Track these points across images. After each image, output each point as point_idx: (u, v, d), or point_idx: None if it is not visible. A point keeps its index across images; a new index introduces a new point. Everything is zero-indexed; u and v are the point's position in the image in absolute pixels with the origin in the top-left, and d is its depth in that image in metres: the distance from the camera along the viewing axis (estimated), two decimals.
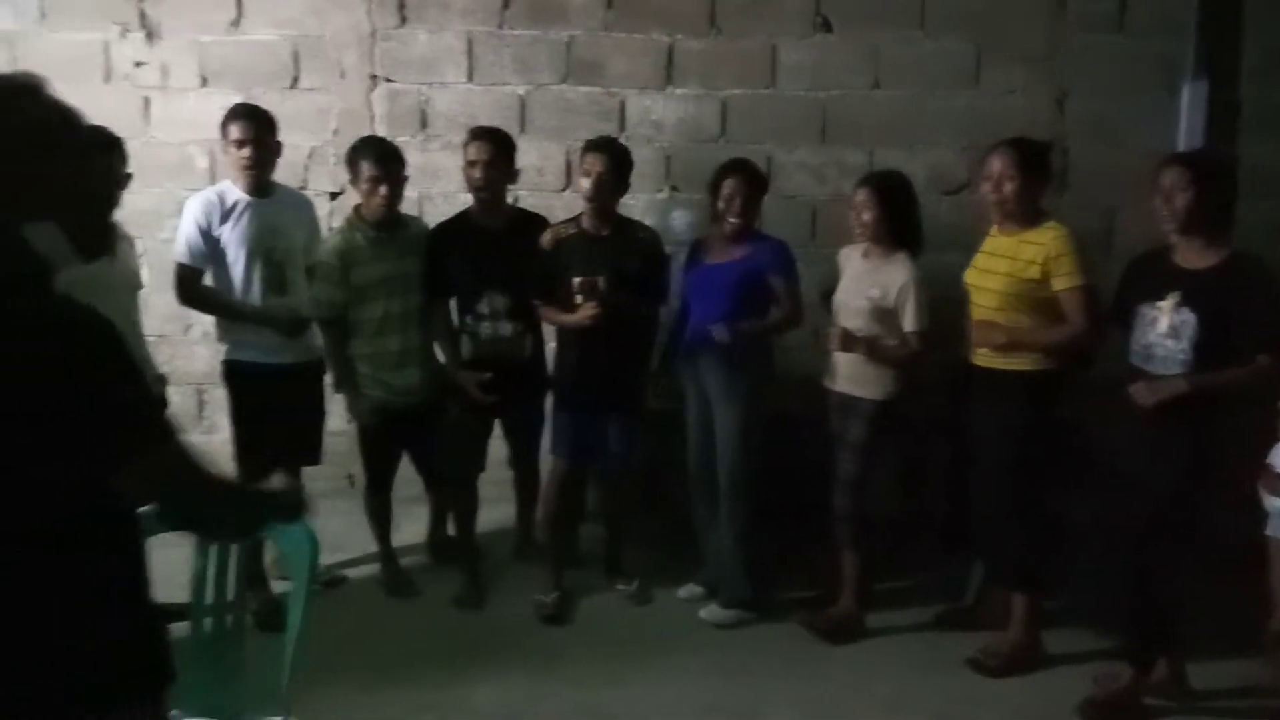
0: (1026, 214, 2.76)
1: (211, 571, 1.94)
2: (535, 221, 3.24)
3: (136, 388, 1.24)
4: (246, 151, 2.99)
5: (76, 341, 1.18)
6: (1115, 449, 2.70)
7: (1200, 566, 2.53)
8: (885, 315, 2.91)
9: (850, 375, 2.97)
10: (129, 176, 2.83)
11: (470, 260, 3.11)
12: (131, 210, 3.20)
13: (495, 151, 3.07)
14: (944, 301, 2.99)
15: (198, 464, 1.30)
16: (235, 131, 3.00)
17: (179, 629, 1.74)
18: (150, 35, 3.88)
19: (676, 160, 3.89)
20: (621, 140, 3.80)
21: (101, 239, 1.32)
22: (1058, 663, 2.88)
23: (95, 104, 3.98)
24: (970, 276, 2.88)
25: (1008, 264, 2.75)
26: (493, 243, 3.10)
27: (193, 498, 1.33)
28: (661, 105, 3.86)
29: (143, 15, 3.87)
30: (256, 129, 3.01)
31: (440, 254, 3.14)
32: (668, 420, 3.37)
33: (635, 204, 3.88)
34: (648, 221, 3.81)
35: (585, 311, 2.97)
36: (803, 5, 3.77)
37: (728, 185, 3.04)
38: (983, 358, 2.82)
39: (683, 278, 3.26)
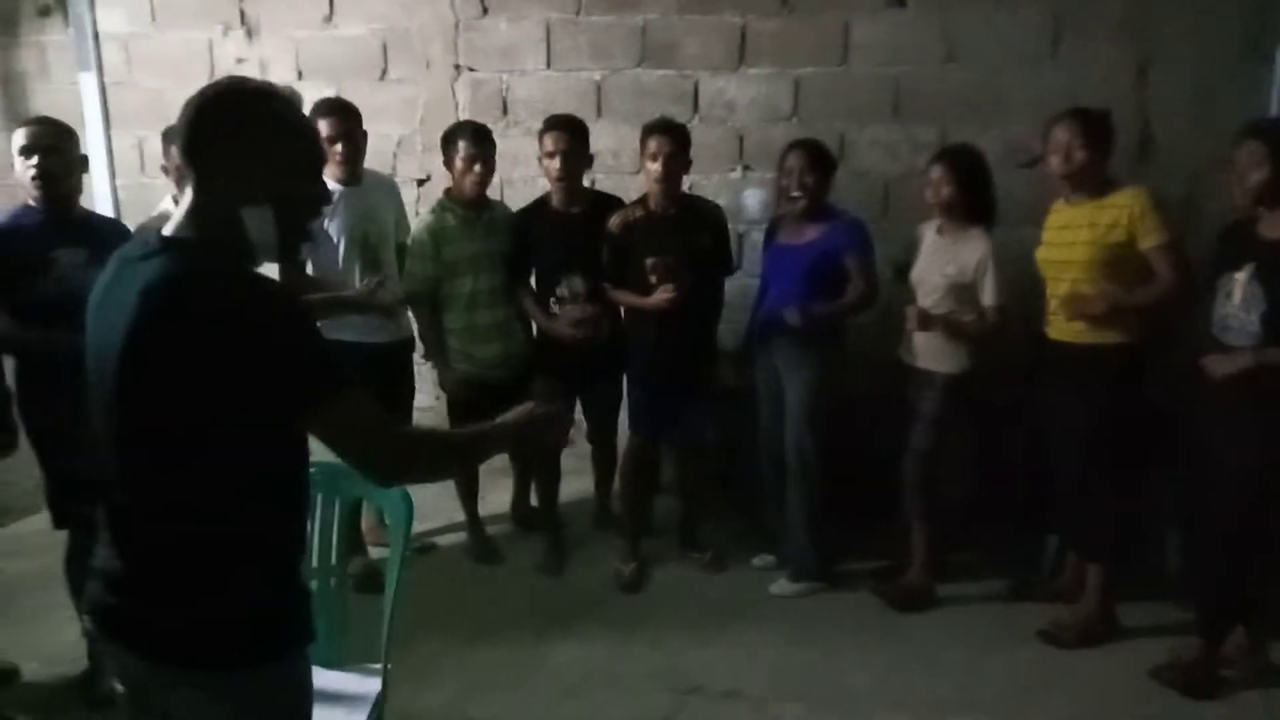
0: (1098, 182, 2.74)
1: (316, 538, 2.11)
2: (613, 204, 3.34)
3: (320, 348, 1.35)
4: (338, 147, 3.13)
5: (268, 309, 1.30)
6: (1198, 426, 2.68)
7: None
8: (963, 291, 2.93)
9: (926, 349, 3.00)
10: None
11: (549, 244, 3.23)
12: None
13: (571, 140, 3.18)
14: (1022, 277, 2.99)
15: (374, 415, 1.39)
16: (326, 129, 3.12)
17: None
18: (250, 33, 4.12)
19: (749, 140, 3.95)
20: (695, 121, 3.91)
21: (299, 244, 1.45)
22: (1133, 635, 2.88)
23: None
24: (1045, 253, 2.87)
25: (1088, 232, 2.73)
26: (571, 227, 3.21)
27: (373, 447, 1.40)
28: (734, 86, 3.92)
29: (243, 15, 4.11)
30: (345, 124, 3.15)
31: (522, 238, 3.28)
32: (747, 397, 3.45)
33: (708, 183, 3.98)
34: (720, 200, 3.90)
35: (663, 294, 3.06)
36: None
37: (790, 161, 3.08)
38: (1062, 332, 2.80)
39: (761, 257, 3.32)
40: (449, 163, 3.27)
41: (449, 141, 3.25)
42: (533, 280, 3.36)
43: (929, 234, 3.08)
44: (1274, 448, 2.42)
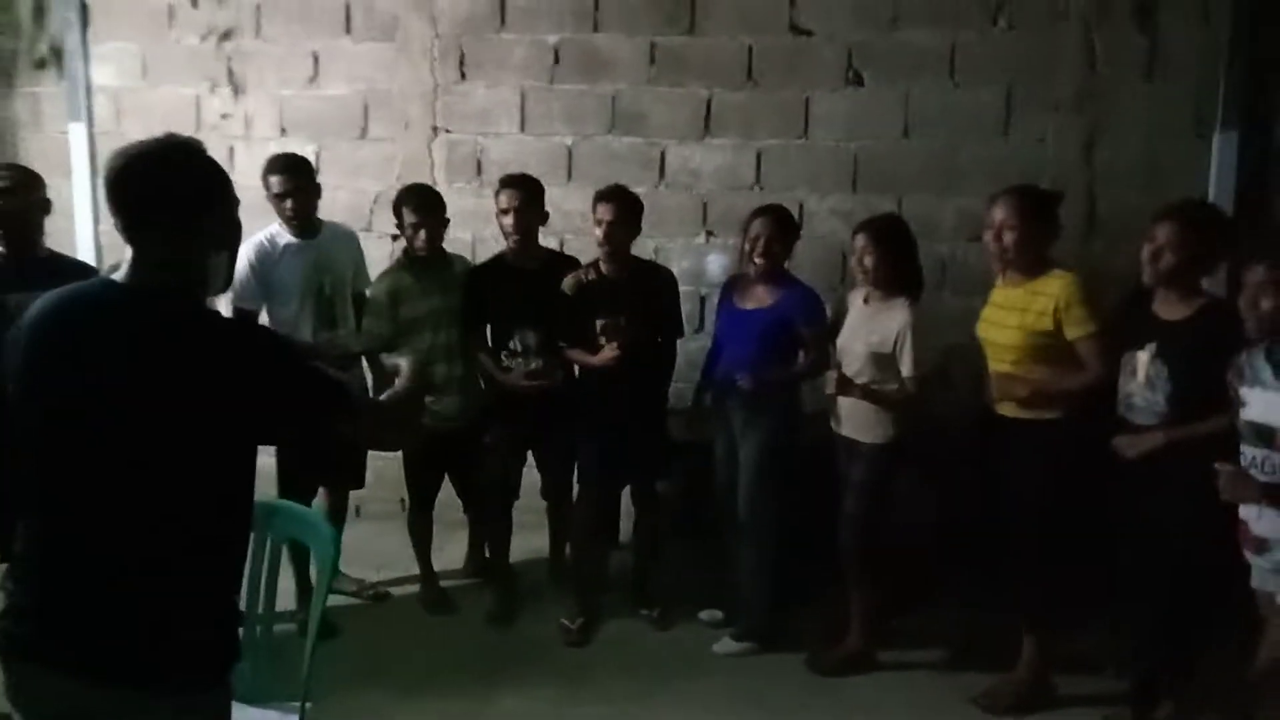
0: (1031, 263, 2.79)
1: (248, 575, 2.15)
2: (567, 263, 3.46)
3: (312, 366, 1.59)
4: (289, 203, 3.24)
5: (257, 340, 1.56)
6: (1127, 499, 2.73)
7: (1226, 618, 2.50)
8: (884, 360, 2.98)
9: (852, 419, 3.05)
10: None
11: (503, 299, 3.32)
12: None
13: (524, 197, 3.29)
14: (972, 346, 3.03)
15: (382, 409, 1.76)
16: (276, 185, 3.24)
17: None
18: (236, 90, 4.27)
19: (713, 206, 4.08)
20: (661, 187, 4.05)
21: (231, 275, 1.66)
22: (1068, 704, 2.90)
23: None
24: (983, 329, 2.94)
25: (1018, 316, 2.78)
26: (525, 283, 3.31)
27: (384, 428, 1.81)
28: (700, 155, 4.07)
29: (230, 72, 4.27)
30: (296, 180, 3.25)
31: (476, 293, 3.37)
32: (702, 452, 3.51)
33: (673, 247, 4.10)
34: (684, 264, 4.04)
35: (607, 354, 3.17)
36: (836, 59, 3.94)
37: (755, 227, 3.17)
38: (1007, 409, 2.84)
39: (716, 316, 3.42)
40: (399, 226, 3.38)
41: (396, 208, 3.36)
42: (488, 334, 3.44)
43: (856, 302, 3.16)
44: (1204, 513, 2.46)
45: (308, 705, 2.03)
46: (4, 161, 3.42)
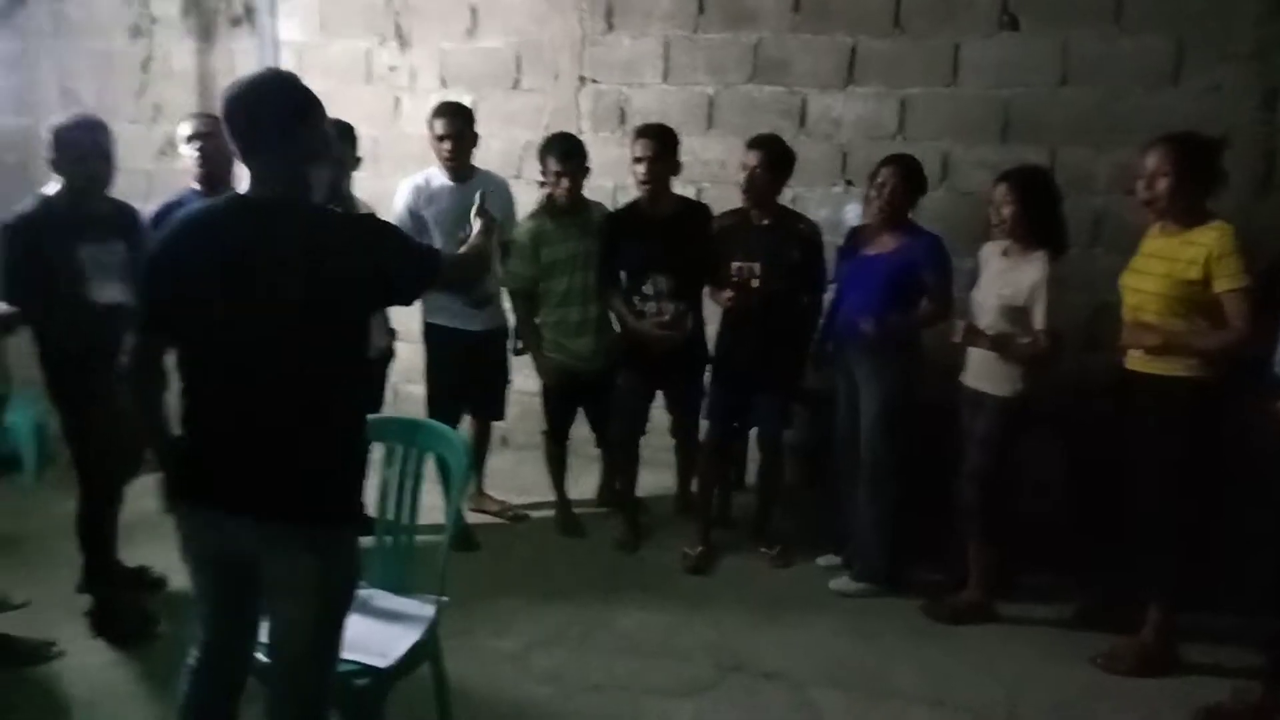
0: (1185, 213, 2.69)
1: (396, 483, 2.40)
2: (699, 210, 3.57)
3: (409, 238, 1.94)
4: (448, 145, 3.50)
5: (366, 218, 1.87)
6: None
7: None
8: (1017, 314, 2.94)
9: (980, 371, 3.03)
10: (359, 160, 3.43)
11: (637, 246, 3.46)
12: (377, 190, 3.87)
13: (658, 147, 3.39)
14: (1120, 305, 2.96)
15: (460, 262, 2.15)
16: (439, 127, 3.52)
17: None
18: (402, 44, 4.57)
19: (853, 156, 4.05)
20: (801, 136, 4.06)
21: (333, 188, 2.00)
22: (1194, 672, 2.82)
23: (358, 101, 4.78)
24: (1126, 278, 2.85)
25: (1167, 265, 2.70)
26: (658, 230, 3.43)
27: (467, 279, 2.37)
28: (841, 103, 4.04)
29: (398, 27, 4.57)
30: (458, 125, 3.52)
31: (612, 239, 3.52)
32: (827, 400, 3.57)
33: (810, 196, 4.11)
34: (821, 213, 4.04)
35: (724, 295, 3.27)
36: (990, 4, 3.81)
37: (881, 175, 3.19)
38: (1137, 362, 2.78)
39: (838, 264, 3.45)
40: (543, 173, 3.56)
41: (542, 155, 3.54)
42: (622, 279, 3.58)
43: (994, 254, 3.10)
44: None
45: (444, 599, 2.28)
46: (206, 110, 3.83)
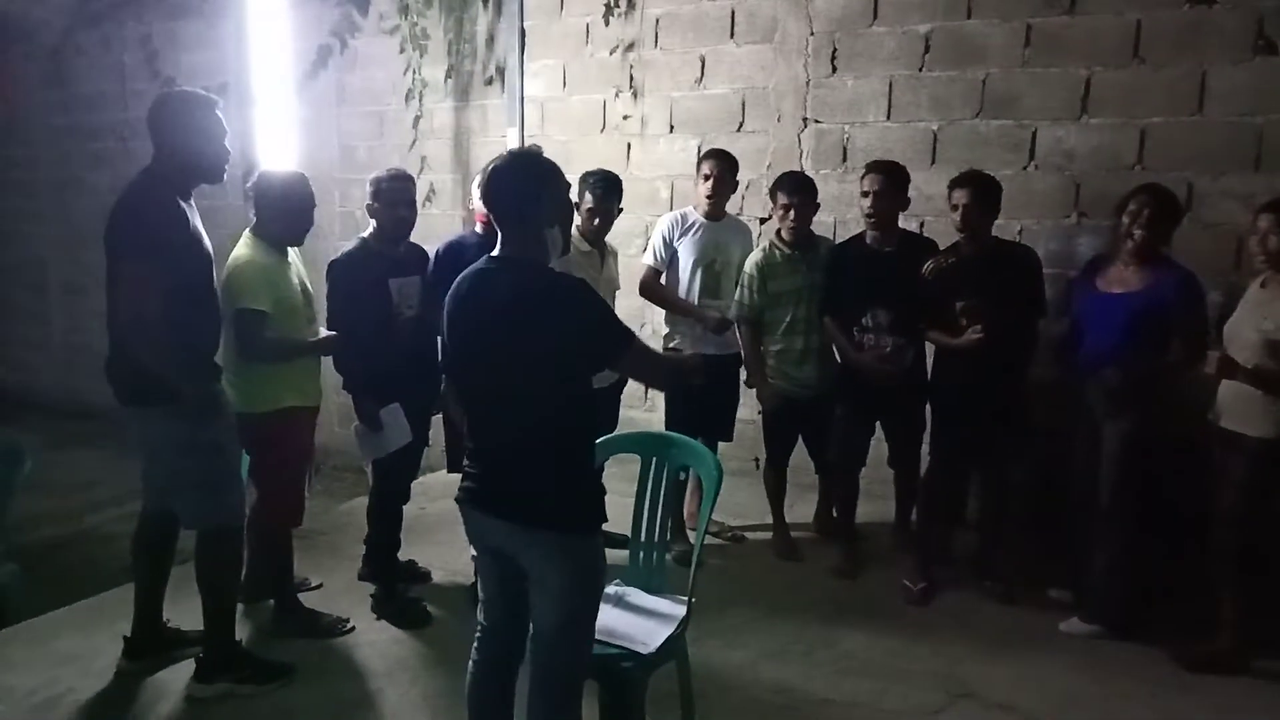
0: None
1: (649, 493, 2.64)
2: (924, 244, 3.64)
3: (610, 317, 2.13)
4: (710, 185, 3.79)
5: (578, 293, 2.05)
6: None
7: None
8: (1278, 348, 2.79)
9: (1236, 410, 2.89)
10: (622, 210, 3.77)
11: (859, 277, 3.56)
12: (614, 230, 4.21)
13: (886, 182, 3.49)
14: None
15: (649, 357, 2.26)
16: (707, 168, 3.82)
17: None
18: (635, 94, 4.95)
19: (1086, 188, 3.98)
20: (1030, 169, 4.04)
21: (568, 243, 2.23)
22: None
23: (594, 148, 5.25)
24: None
25: None
26: (880, 262, 3.53)
27: (656, 372, 2.39)
28: (1074, 135, 3.99)
29: (631, 79, 4.96)
30: (720, 167, 3.81)
31: (836, 272, 3.65)
32: (1056, 437, 3.51)
33: (1039, 229, 4.08)
34: (1051, 246, 3.99)
35: (970, 336, 3.28)
36: (1241, 28, 3.66)
37: (1135, 202, 3.10)
38: None
39: (1076, 295, 3.37)
40: (773, 207, 3.76)
41: (773, 192, 3.76)
42: (844, 311, 3.66)
43: (1253, 287, 2.96)
44: None
45: (693, 600, 2.48)
46: (470, 163, 4.34)
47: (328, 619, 3.25)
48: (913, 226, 4.16)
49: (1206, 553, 3.00)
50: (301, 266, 3.23)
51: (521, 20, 5.19)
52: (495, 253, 2.12)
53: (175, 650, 2.99)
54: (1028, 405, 3.50)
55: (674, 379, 2.67)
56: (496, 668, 2.24)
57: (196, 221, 2.69)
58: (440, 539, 4.00)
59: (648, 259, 3.93)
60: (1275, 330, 2.81)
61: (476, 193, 3.52)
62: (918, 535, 3.69)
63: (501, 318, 2.02)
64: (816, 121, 4.54)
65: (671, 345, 3.91)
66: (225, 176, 2.78)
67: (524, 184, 2.08)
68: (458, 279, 2.16)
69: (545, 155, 2.23)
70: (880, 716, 2.76)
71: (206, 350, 2.76)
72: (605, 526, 2.11)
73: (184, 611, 3.03)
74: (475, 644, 2.25)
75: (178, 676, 2.90)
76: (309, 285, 3.22)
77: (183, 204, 2.64)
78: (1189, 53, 3.75)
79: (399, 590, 3.44)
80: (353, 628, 3.25)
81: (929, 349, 3.63)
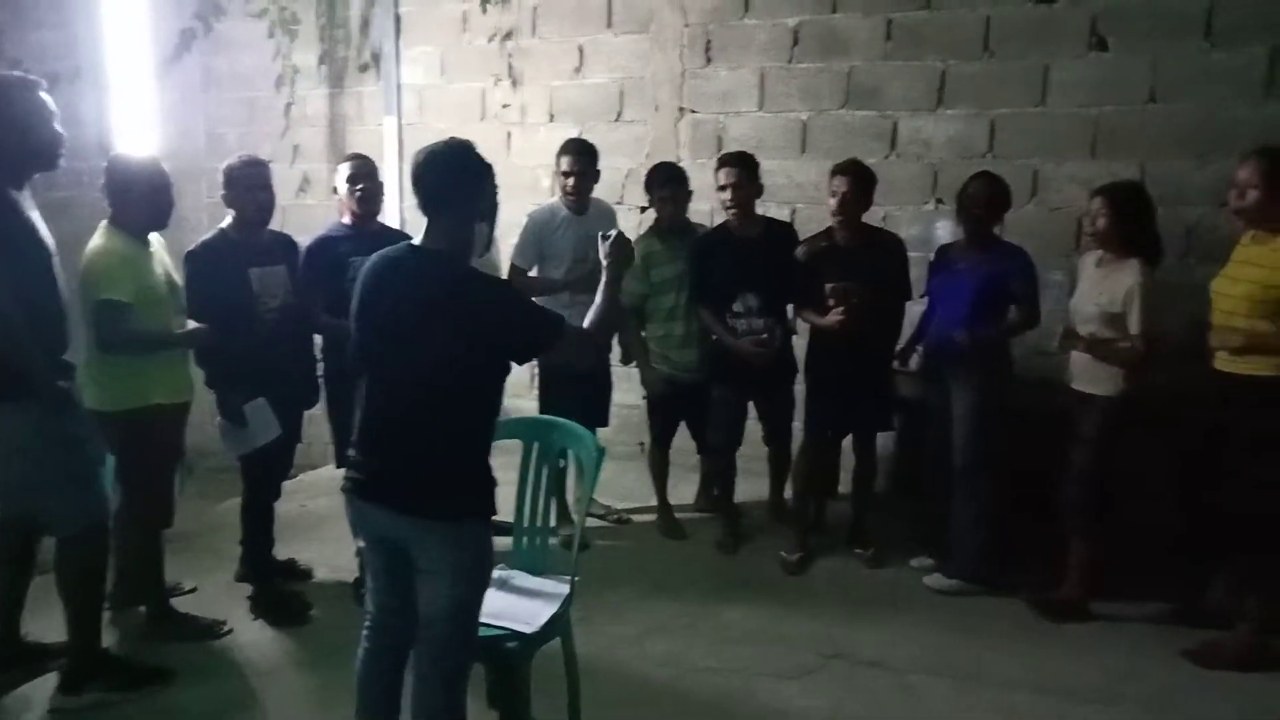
0: (1276, 222, 2.80)
1: (530, 476, 2.67)
2: (786, 231, 3.80)
3: (536, 309, 2.16)
4: (572, 181, 3.80)
5: (505, 291, 2.10)
6: None
7: None
8: (1114, 319, 3.06)
9: (1084, 373, 3.16)
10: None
11: (727, 265, 3.66)
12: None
13: (740, 173, 3.61)
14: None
15: (579, 335, 2.24)
16: (565, 164, 3.82)
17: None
18: (515, 83, 4.95)
19: (944, 175, 4.21)
20: (892, 157, 4.24)
21: (491, 242, 2.29)
22: None
23: (474, 137, 5.16)
24: (1217, 284, 2.95)
25: (1255, 271, 2.80)
26: (747, 250, 3.64)
27: (587, 347, 2.34)
28: (932, 125, 4.22)
29: (510, 68, 4.95)
30: (583, 164, 3.81)
31: (704, 260, 3.74)
32: (920, 408, 3.71)
33: (901, 215, 4.29)
34: (912, 231, 4.21)
35: (834, 316, 3.45)
36: (1078, 26, 3.94)
37: (969, 190, 3.36)
38: (1224, 362, 2.87)
39: (929, 279, 3.61)
40: (650, 198, 3.84)
41: (648, 183, 3.83)
42: (715, 297, 3.75)
43: (1089, 264, 3.24)
44: None
45: (576, 578, 2.54)
46: (346, 150, 4.26)
47: (203, 622, 3.16)
48: (785, 213, 4.32)
49: (1058, 506, 3.25)
50: (166, 257, 3.11)
51: (396, 6, 5.11)
52: (418, 242, 2.11)
53: (38, 663, 2.85)
54: (893, 381, 3.70)
55: (608, 334, 2.61)
56: (386, 656, 2.23)
57: (33, 213, 2.54)
58: (323, 536, 3.93)
59: (514, 258, 3.89)
60: (1109, 304, 3.08)
61: (343, 177, 3.47)
62: (793, 508, 3.86)
63: (425, 310, 2.02)
64: (693, 111, 4.65)
65: None
66: (63, 163, 2.61)
67: (464, 174, 2.08)
68: (372, 264, 2.13)
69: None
70: (758, 681, 2.88)
71: (51, 349, 2.59)
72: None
73: (42, 624, 2.90)
74: (364, 633, 2.25)
75: (42, 691, 2.76)
76: (175, 276, 3.11)
77: (13, 194, 2.48)
78: (1034, 48, 4.02)
79: (277, 588, 3.37)
80: (230, 630, 3.16)
81: (804, 330, 3.78)
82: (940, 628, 3.20)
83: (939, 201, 4.25)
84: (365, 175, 3.41)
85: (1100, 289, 3.12)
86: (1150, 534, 3.41)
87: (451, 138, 2.14)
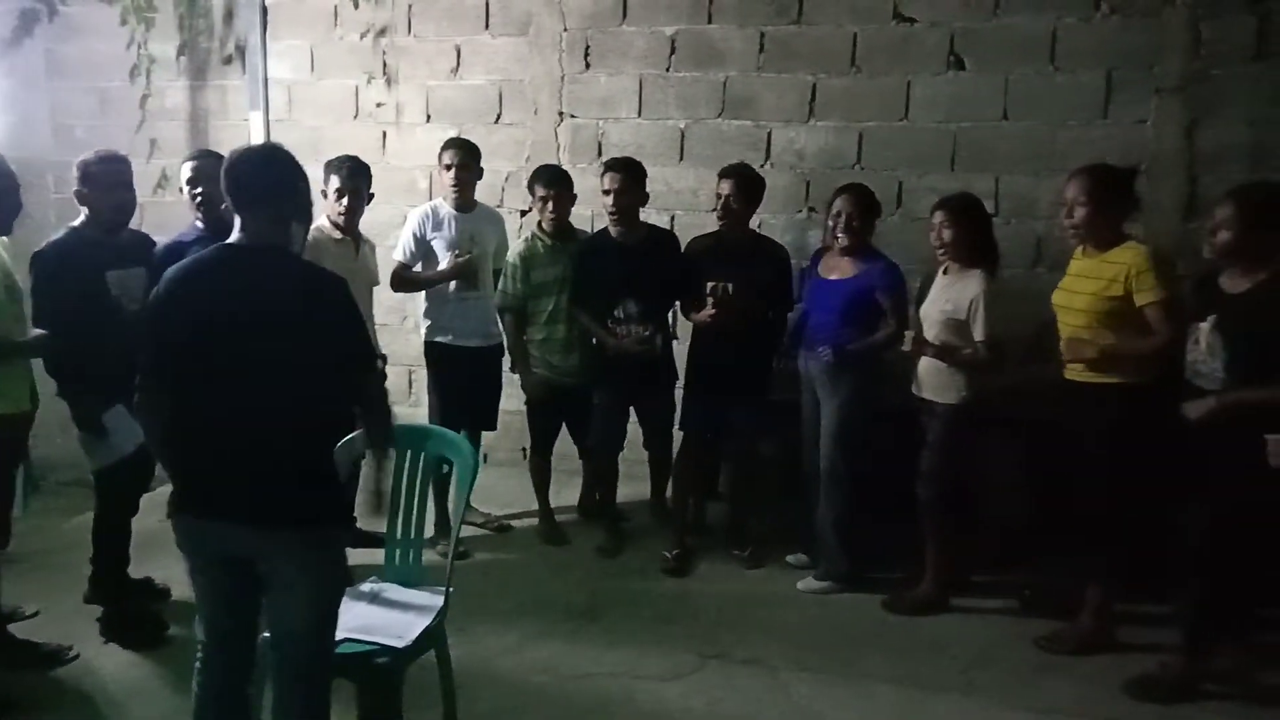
0: (1105, 237, 2.99)
1: (404, 484, 2.61)
2: (667, 237, 3.86)
3: (365, 330, 2.07)
4: (453, 176, 3.77)
5: (344, 290, 2.01)
6: (1194, 455, 2.88)
7: None
8: (959, 327, 3.23)
9: (928, 382, 3.31)
10: (372, 196, 3.67)
11: (608, 271, 3.69)
12: (370, 222, 4.09)
13: (625, 179, 3.64)
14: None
15: (380, 404, 2.17)
16: (447, 158, 3.80)
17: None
18: (389, 82, 4.82)
19: (816, 184, 4.36)
20: (767, 166, 4.36)
21: (304, 246, 2.22)
22: (1127, 651, 3.09)
23: (348, 136, 5.03)
24: (1057, 297, 3.14)
25: (1092, 284, 2.99)
26: (628, 256, 3.68)
27: (383, 407, 2.18)
28: (804, 136, 4.35)
29: (385, 66, 4.82)
30: (465, 158, 3.79)
31: (585, 265, 3.75)
32: (793, 411, 3.82)
33: (776, 223, 4.41)
34: (786, 238, 4.33)
35: (706, 312, 3.52)
36: (938, 46, 4.15)
37: (838, 204, 3.47)
38: (1075, 373, 3.05)
39: (804, 283, 3.72)
40: (532, 200, 3.83)
41: (530, 185, 3.82)
42: (596, 303, 3.78)
43: (938, 274, 3.41)
44: (1248, 486, 2.60)
45: (450, 590, 2.50)
46: (199, 148, 4.06)
47: (47, 648, 2.96)
48: (664, 220, 4.38)
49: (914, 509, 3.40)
50: (9, 259, 2.89)
51: None
52: (233, 240, 2.02)
53: None
54: (770, 385, 3.80)
55: (389, 425, 2.23)
56: (226, 687, 2.14)
57: None
58: (177, 554, 3.71)
59: (397, 254, 3.88)
60: (954, 310, 3.24)
61: (184, 177, 3.29)
62: (673, 508, 3.91)
63: (266, 304, 1.95)
64: (572, 116, 4.65)
65: (436, 340, 3.88)
66: None
67: (280, 173, 2.06)
68: (179, 268, 2.03)
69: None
70: (638, 684, 2.91)
71: None
72: (364, 526, 2.09)
73: None
74: (198, 667, 2.14)
75: None
76: (17, 280, 2.89)
77: None
78: (897, 65, 4.20)
79: (129, 609, 3.18)
80: (76, 655, 2.97)
81: (685, 334, 3.84)
82: (812, 626, 3.31)
83: (811, 210, 4.38)
84: (207, 176, 3.18)
85: (946, 296, 3.28)
86: (1005, 529, 3.63)
87: (267, 141, 2.11)
